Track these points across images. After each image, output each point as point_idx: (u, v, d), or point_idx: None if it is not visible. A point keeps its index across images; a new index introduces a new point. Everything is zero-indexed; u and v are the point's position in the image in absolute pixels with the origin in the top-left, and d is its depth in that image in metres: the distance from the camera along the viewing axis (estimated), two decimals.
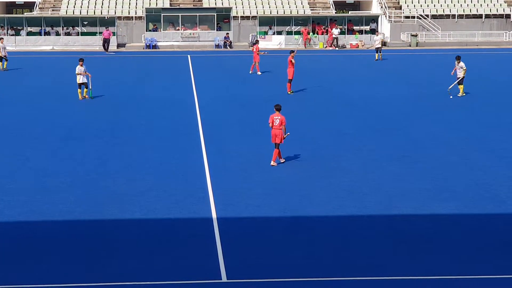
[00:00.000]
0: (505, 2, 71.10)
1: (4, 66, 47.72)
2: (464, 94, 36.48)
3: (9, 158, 24.02)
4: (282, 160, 23.14)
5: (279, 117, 22.66)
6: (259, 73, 45.63)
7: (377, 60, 53.77)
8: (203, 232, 17.06)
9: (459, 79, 36.36)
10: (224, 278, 14.36)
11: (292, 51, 38.37)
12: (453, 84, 36.59)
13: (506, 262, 15.23)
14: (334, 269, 14.86)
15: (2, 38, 51.01)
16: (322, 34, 65.30)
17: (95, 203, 19.21)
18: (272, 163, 22.92)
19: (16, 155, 24.49)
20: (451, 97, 36.12)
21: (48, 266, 15.01)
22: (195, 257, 15.45)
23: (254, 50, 45.97)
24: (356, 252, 15.85)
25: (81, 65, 35.23)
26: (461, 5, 70.60)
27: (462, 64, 36.50)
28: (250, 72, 45.91)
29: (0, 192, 20.20)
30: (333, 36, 64.46)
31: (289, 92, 37.28)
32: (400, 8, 70.45)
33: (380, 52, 54.24)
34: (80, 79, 35.24)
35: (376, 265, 15.05)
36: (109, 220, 17.96)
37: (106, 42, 60.67)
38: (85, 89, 35.54)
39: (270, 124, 22.81)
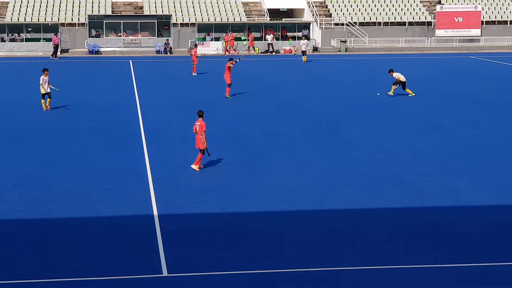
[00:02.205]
0: (426, 10, 72.30)
1: None
2: (414, 94, 37.43)
3: None
4: (196, 167, 22.36)
5: (199, 123, 22.25)
6: (194, 74, 47.11)
7: (304, 62, 55.68)
8: (145, 229, 16.96)
9: (402, 83, 37.29)
10: (165, 273, 14.31)
11: (231, 59, 38.30)
12: (392, 90, 37.40)
13: (429, 252, 15.49)
14: (269, 262, 14.91)
15: None
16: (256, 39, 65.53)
17: (40, 202, 18.93)
18: (194, 166, 22.40)
19: None
20: (378, 94, 37.11)
21: None
22: (137, 253, 15.35)
23: (193, 53, 47.29)
24: (291, 245, 15.94)
25: (46, 75, 32.74)
26: (386, 13, 71.54)
27: (396, 74, 37.40)
28: (193, 74, 46.81)
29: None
30: (268, 42, 64.83)
31: (227, 96, 37.29)
32: (330, 16, 71.08)
33: (305, 55, 56.55)
34: (44, 90, 32.76)
35: (310, 257, 15.15)
36: (53, 219, 17.72)
37: (56, 47, 59.51)
38: (48, 100, 33.03)
39: (194, 131, 22.45)
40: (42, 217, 17.81)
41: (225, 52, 63.06)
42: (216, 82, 41.50)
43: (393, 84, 37.54)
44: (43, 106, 33.22)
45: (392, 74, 37.65)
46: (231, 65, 37.33)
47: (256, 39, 66.08)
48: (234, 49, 63.21)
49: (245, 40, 65.50)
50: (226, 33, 65.01)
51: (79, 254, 15.33)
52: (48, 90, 32.96)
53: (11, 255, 15.26)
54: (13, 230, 16.87)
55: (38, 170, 22.24)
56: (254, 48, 64.28)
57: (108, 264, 14.75)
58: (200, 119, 22.33)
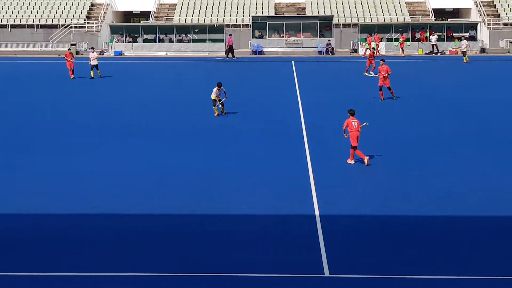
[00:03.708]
0: None
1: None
2: None
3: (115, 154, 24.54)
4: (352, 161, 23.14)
5: (355, 121, 22.88)
6: (369, 74, 46.71)
7: (465, 62, 54.39)
8: (307, 228, 16.99)
9: None
10: (326, 273, 14.25)
11: (383, 60, 37.59)
12: None
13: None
14: (424, 267, 14.54)
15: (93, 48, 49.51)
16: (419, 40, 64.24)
17: (187, 197, 19.36)
18: (350, 161, 23.09)
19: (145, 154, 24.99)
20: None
21: (147, 256, 15.22)
22: (299, 252, 15.39)
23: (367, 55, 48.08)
24: (434, 251, 15.49)
25: (218, 89, 31.39)
26: None
27: None
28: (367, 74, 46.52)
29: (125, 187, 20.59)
30: (432, 43, 63.38)
31: (382, 99, 36.43)
32: (499, 16, 68.63)
33: (465, 56, 55.19)
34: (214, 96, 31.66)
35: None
36: (212, 215, 18.05)
37: (230, 48, 60.35)
38: (221, 107, 32.02)
39: (347, 127, 23.04)
40: (195, 213, 18.20)
41: (365, 53, 61.62)
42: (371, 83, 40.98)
43: None
44: (216, 112, 31.98)
45: None
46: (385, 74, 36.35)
47: (416, 40, 64.78)
48: (378, 51, 61.95)
49: (396, 41, 64.17)
50: (370, 34, 63.35)
51: (240, 250, 15.53)
52: (221, 98, 31.76)
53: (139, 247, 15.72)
54: (180, 225, 17.35)
55: (205, 167, 22.78)
56: (403, 50, 62.56)
57: (269, 261, 14.86)
58: (353, 116, 23.08)
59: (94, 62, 46.35)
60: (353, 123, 22.93)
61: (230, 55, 59.99)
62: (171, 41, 65.83)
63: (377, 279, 13.98)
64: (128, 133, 28.36)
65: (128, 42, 65.78)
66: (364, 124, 23.30)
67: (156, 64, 56.90)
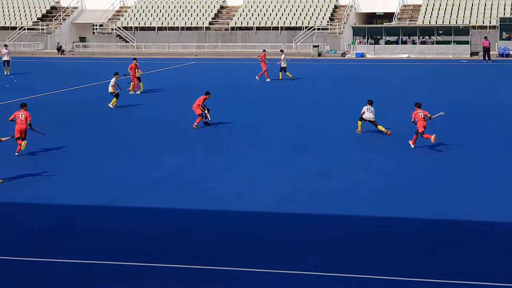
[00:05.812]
0: None
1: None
2: None
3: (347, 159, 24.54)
4: None
5: (422, 111, 24.68)
6: None
7: None
8: None
9: None
10: None
11: None
12: None
13: None
14: None
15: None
16: None
17: (441, 202, 18.88)
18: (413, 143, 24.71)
19: (361, 158, 24.95)
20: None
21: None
22: None
23: None
24: None
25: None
26: None
27: None
28: None
29: (357, 188, 20.58)
30: None
31: None
32: None
33: None
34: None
35: None
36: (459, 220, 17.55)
37: (486, 51, 58.81)
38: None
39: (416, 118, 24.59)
40: (442, 217, 17.73)
41: None
42: None
43: None
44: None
45: None
46: None
47: None
48: None
49: None
50: None
51: (471, 256, 14.94)
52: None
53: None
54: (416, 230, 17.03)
55: (442, 172, 22.25)
56: None
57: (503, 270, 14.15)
58: (419, 108, 24.73)
59: (283, 64, 47.12)
60: (419, 113, 24.82)
61: (487, 58, 58.32)
62: (414, 43, 65.09)
63: None
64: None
65: (370, 44, 65.89)
66: (440, 114, 25.66)
67: (398, 66, 56.53)
